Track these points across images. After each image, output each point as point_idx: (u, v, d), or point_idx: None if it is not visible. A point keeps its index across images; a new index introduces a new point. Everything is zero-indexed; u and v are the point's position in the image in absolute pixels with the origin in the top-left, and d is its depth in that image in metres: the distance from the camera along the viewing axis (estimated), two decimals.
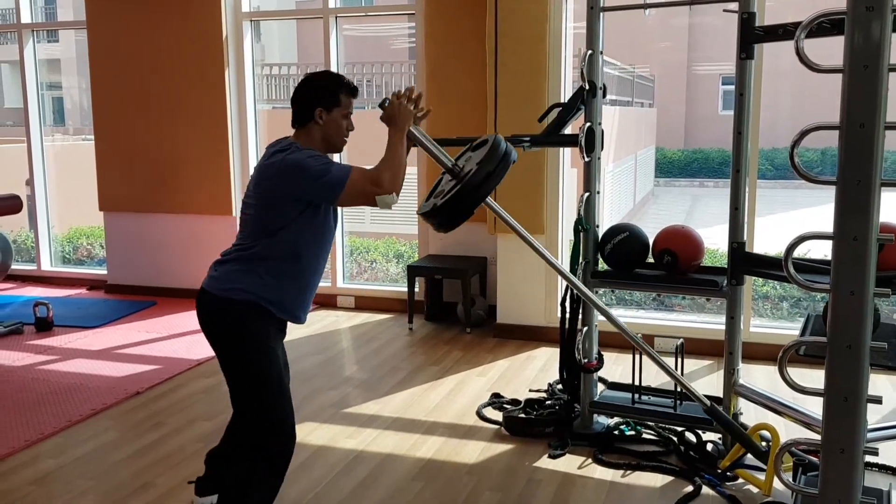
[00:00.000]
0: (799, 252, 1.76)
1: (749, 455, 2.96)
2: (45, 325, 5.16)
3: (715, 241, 5.93)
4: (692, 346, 4.13)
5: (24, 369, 4.41)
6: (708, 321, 4.93)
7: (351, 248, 6.68)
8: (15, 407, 3.85)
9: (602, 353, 3.57)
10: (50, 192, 6.74)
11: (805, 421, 3.01)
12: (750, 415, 3.44)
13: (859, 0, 1.47)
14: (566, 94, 4.70)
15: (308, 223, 2.39)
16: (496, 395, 3.92)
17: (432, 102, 5.22)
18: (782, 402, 3.13)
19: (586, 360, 3.46)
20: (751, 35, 3.02)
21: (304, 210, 2.37)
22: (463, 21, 5.07)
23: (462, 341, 4.92)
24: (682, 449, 3.23)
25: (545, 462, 3.21)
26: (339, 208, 2.51)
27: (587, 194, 3.40)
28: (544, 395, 3.89)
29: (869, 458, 2.66)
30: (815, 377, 1.61)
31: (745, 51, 3.04)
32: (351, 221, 6.62)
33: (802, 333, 2.89)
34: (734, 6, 3.04)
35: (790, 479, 2.65)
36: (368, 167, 2.37)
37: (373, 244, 7.02)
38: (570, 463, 3.20)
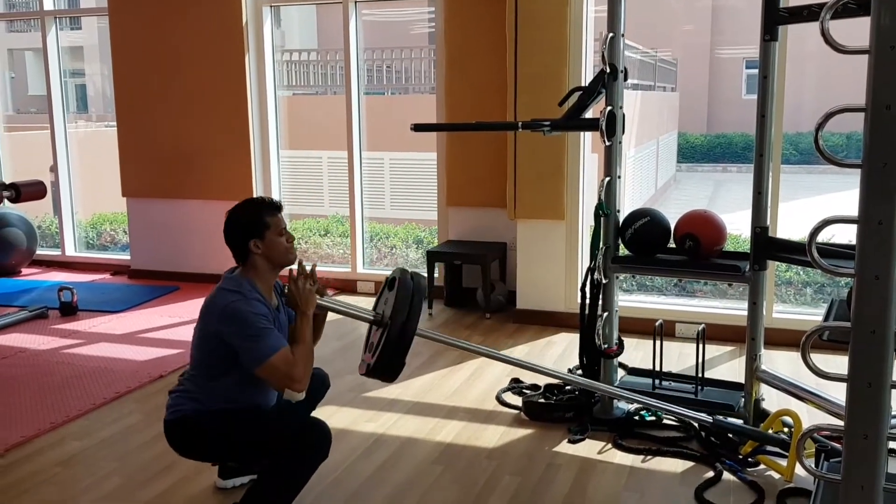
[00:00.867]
0: (823, 237, 1.74)
1: None
2: (69, 310, 5.22)
3: (738, 227, 5.88)
4: (714, 332, 4.10)
5: (50, 353, 4.47)
6: (730, 307, 4.90)
7: (371, 233, 6.69)
8: (40, 390, 3.90)
9: (622, 338, 3.56)
10: (73, 179, 6.80)
11: (828, 407, 2.98)
12: (772, 401, 3.41)
13: None
14: (587, 78, 4.66)
15: (249, 375, 2.42)
16: (516, 381, 3.92)
17: (452, 87, 5.21)
18: (805, 388, 3.11)
19: (606, 346, 3.45)
20: (775, 16, 2.98)
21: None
22: (483, 5, 5.04)
23: (482, 326, 4.92)
24: (703, 435, 3.21)
25: (565, 447, 3.21)
26: None
27: (608, 179, 3.37)
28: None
29: (893, 445, 2.63)
30: (837, 363, 1.60)
31: (769, 32, 2.99)
32: (371, 207, 6.63)
33: (826, 318, 2.86)
34: None
35: (812, 465, 2.63)
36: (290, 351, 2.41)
37: (392, 230, 7.03)
38: (589, 448, 3.20)
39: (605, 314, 3.43)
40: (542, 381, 3.87)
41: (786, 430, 3.09)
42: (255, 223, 2.47)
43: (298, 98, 11.86)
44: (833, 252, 2.77)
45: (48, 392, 3.87)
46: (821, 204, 12.32)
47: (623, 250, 3.48)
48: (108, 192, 7.22)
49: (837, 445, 2.71)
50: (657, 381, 3.45)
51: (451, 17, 5.18)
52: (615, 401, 3.46)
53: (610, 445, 3.21)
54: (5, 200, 5.22)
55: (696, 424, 3.27)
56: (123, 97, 6.11)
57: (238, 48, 5.71)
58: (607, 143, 3.33)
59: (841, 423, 1.61)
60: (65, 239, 6.79)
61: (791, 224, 5.05)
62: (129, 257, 6.46)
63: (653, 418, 3.40)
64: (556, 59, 4.63)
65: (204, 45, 5.78)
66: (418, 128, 3.54)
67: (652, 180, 13.62)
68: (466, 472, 3.02)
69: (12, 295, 5.72)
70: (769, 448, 3.01)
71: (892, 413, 1.60)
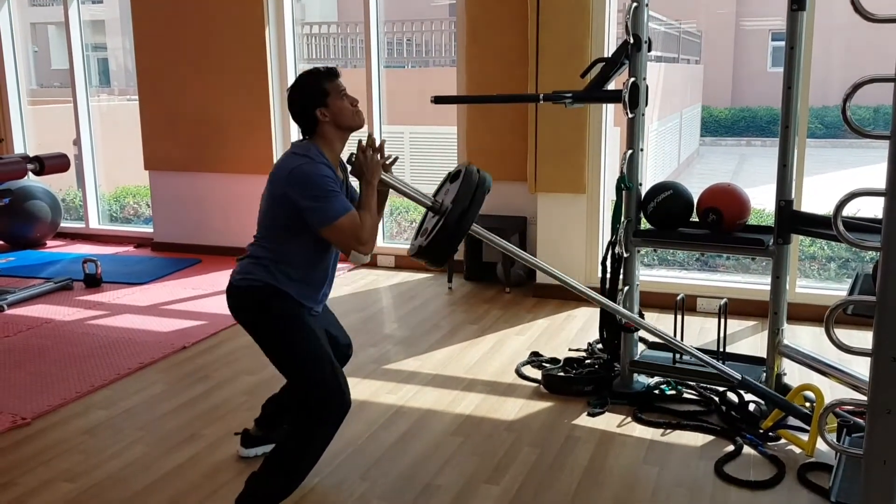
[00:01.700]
0: (849, 211, 1.72)
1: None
2: (93, 282, 5.29)
3: (761, 202, 5.81)
4: (736, 307, 4.08)
5: (75, 324, 4.54)
6: (753, 281, 4.86)
7: (391, 207, 6.70)
8: (66, 360, 3.97)
9: (643, 312, 3.55)
10: (96, 152, 6.85)
11: (850, 381, 2.97)
12: (794, 376, 3.39)
13: None
14: (610, 50, 4.60)
15: (314, 236, 2.46)
16: (535, 354, 3.93)
17: (473, 60, 5.17)
18: (827, 363, 3.09)
19: (626, 320, 3.44)
20: None
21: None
22: None
23: (501, 300, 4.92)
24: (723, 409, 3.20)
25: (584, 420, 3.22)
26: None
27: (630, 152, 3.34)
28: (584, 354, 3.89)
29: None
30: (860, 337, 1.58)
31: (797, 1, 2.94)
32: None
33: (851, 292, 2.83)
34: None
35: (834, 440, 2.62)
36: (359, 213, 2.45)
37: (413, 204, 7.02)
38: (609, 421, 3.20)
39: (626, 288, 3.42)
40: (561, 354, 3.87)
41: (808, 404, 3.07)
42: (316, 92, 2.49)
43: None
44: (858, 226, 2.74)
45: (74, 362, 3.93)
46: (846, 178, 12.16)
47: (645, 224, 3.46)
48: (130, 166, 7.27)
49: (860, 420, 2.70)
50: (678, 356, 3.44)
51: None
52: (635, 374, 3.46)
53: (629, 419, 3.21)
54: (30, 173, 5.27)
55: (716, 398, 3.27)
56: (145, 71, 6.13)
57: (258, 21, 5.69)
58: (630, 116, 3.30)
59: (863, 397, 1.59)
60: (88, 212, 6.86)
61: (815, 199, 4.98)
62: (151, 230, 6.52)
63: (673, 392, 3.40)
64: (578, 31, 4.57)
65: (224, 18, 5.76)
66: (438, 100, 3.52)
67: (675, 154, 13.49)
68: (485, 444, 3.04)
69: (38, 267, 5.80)
70: (790, 422, 3.00)
71: None
